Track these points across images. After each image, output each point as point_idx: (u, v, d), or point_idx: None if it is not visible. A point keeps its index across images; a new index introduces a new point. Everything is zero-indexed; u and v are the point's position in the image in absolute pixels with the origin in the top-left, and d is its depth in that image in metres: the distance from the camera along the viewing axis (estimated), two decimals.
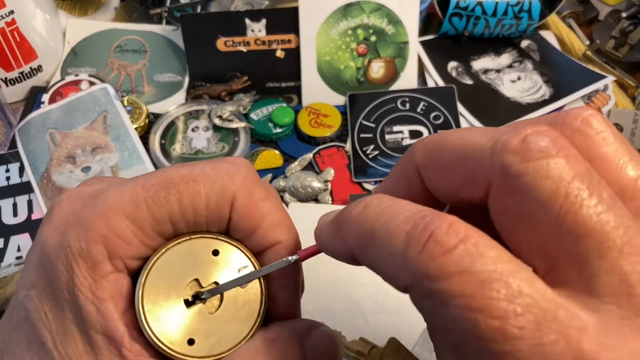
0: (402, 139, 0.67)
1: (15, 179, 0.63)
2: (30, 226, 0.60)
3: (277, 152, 0.66)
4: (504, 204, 0.19)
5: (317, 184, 0.62)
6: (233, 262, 0.25)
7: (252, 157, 0.66)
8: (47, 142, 0.64)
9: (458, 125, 0.67)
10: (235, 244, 0.25)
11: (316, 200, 0.62)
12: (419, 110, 0.69)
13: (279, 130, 0.67)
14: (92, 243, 0.23)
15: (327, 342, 0.27)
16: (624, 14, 0.77)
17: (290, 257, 0.25)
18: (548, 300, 0.16)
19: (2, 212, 0.61)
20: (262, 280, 0.25)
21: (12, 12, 0.66)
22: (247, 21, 0.69)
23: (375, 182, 0.64)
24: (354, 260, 0.21)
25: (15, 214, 0.61)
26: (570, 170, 0.18)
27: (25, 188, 0.62)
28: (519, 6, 0.72)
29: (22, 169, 0.64)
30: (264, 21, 0.69)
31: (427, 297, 0.17)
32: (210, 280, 0.25)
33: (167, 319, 0.23)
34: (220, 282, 0.25)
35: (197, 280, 0.24)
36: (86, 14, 0.81)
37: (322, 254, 0.25)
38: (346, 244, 0.21)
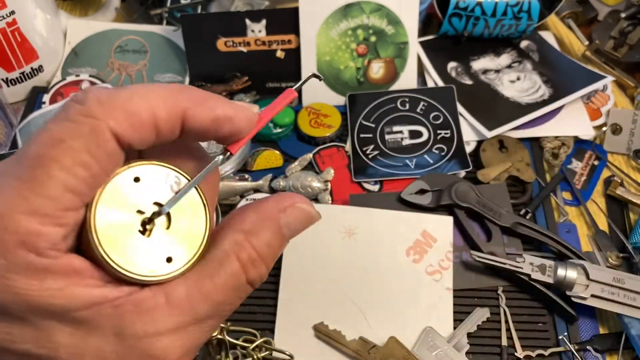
0: (402, 139, 0.67)
1: None
2: None
3: (277, 152, 0.66)
4: None
5: (317, 184, 0.62)
6: (157, 178, 0.26)
7: (253, 157, 0.66)
8: None
9: (458, 125, 0.68)
10: (150, 162, 0.26)
11: (316, 200, 0.63)
12: (418, 110, 0.69)
13: (279, 130, 0.67)
14: (12, 255, 0.22)
15: (304, 215, 0.28)
16: (623, 14, 0.77)
17: (218, 157, 0.26)
18: None
19: None
20: (197, 186, 0.27)
21: (12, 12, 0.66)
22: (248, 21, 0.69)
23: (375, 182, 0.64)
24: None
25: None
26: None
27: None
28: (519, 6, 0.72)
29: None
30: (264, 21, 0.69)
31: None
32: (150, 203, 0.25)
33: (136, 253, 0.24)
34: (160, 201, 0.25)
35: (138, 210, 0.25)
36: (87, 15, 0.82)
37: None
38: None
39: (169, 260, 0.25)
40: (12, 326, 0.23)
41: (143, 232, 0.25)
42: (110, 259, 0.24)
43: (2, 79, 0.70)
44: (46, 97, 0.70)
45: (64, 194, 0.23)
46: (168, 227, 0.26)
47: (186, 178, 0.26)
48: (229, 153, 0.27)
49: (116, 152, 0.24)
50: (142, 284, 0.25)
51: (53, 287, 0.23)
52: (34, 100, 0.72)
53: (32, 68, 0.71)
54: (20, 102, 0.73)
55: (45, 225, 0.22)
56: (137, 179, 0.25)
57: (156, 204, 0.25)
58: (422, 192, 0.61)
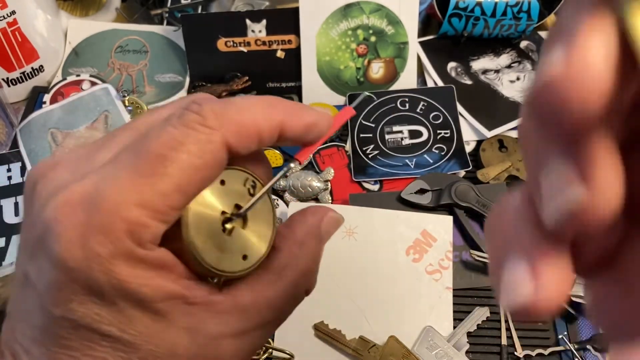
0: (402, 138, 0.67)
1: (16, 179, 0.63)
2: None
3: (277, 151, 0.67)
4: None
5: (317, 184, 0.62)
6: (239, 182, 0.28)
7: None
8: (48, 142, 0.65)
9: (457, 124, 0.68)
10: (233, 167, 0.28)
11: (316, 199, 0.63)
12: (418, 110, 0.69)
13: None
14: (119, 243, 0.24)
15: (335, 222, 0.31)
16: None
17: (291, 164, 0.30)
18: None
19: (4, 212, 0.61)
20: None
21: (13, 12, 0.67)
22: (248, 21, 0.69)
23: (375, 182, 0.64)
24: None
25: (17, 214, 0.61)
26: None
27: None
28: (518, 7, 0.72)
29: (23, 169, 0.64)
30: (264, 21, 0.69)
31: None
32: (231, 205, 0.28)
33: (219, 251, 0.27)
34: (239, 202, 0.28)
35: (222, 211, 0.27)
36: (87, 15, 0.82)
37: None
38: None
39: (244, 257, 0.28)
40: (102, 308, 0.24)
41: (224, 231, 0.27)
42: (199, 255, 0.26)
43: (3, 79, 0.70)
44: (47, 97, 0.70)
45: (175, 193, 0.24)
46: (244, 227, 0.28)
47: (260, 183, 0.29)
48: (297, 161, 0.30)
49: (223, 160, 0.26)
50: (221, 278, 0.27)
51: (145, 277, 0.24)
52: (34, 100, 0.72)
53: (32, 68, 0.72)
54: (20, 102, 0.73)
55: (152, 219, 0.24)
56: (222, 182, 0.27)
57: (236, 205, 0.28)
58: (422, 191, 0.61)
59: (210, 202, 0.27)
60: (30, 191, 0.26)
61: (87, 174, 0.25)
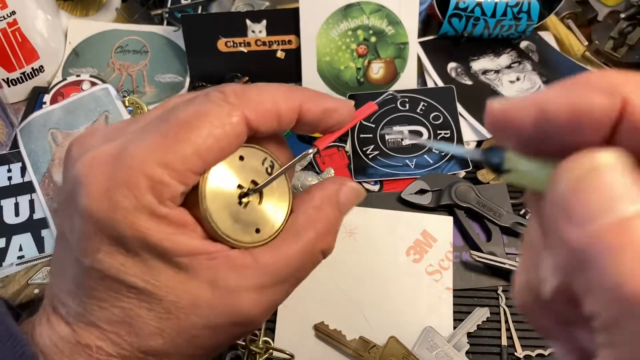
0: (402, 139, 0.67)
1: (17, 179, 0.63)
2: (32, 226, 0.60)
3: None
4: None
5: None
6: (257, 160, 0.30)
7: None
8: (48, 142, 0.65)
9: (458, 125, 0.68)
10: (253, 146, 0.30)
11: None
12: (418, 110, 0.69)
13: None
14: (142, 197, 0.25)
15: (354, 193, 0.33)
16: (622, 15, 0.77)
17: (310, 150, 0.31)
18: None
19: (4, 212, 0.61)
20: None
21: (13, 12, 0.67)
22: (248, 22, 0.69)
23: (375, 182, 0.64)
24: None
25: (17, 214, 0.61)
26: None
27: (26, 188, 0.63)
28: (518, 7, 0.72)
29: (23, 169, 0.64)
30: (264, 22, 0.69)
31: None
32: (248, 180, 0.29)
33: (232, 220, 0.28)
34: (256, 179, 0.30)
35: (239, 185, 0.29)
36: (87, 15, 0.82)
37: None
38: (619, 94, 0.17)
39: (257, 231, 0.29)
40: (127, 259, 0.26)
41: (239, 204, 0.29)
42: (213, 220, 0.27)
43: (3, 79, 0.70)
44: (47, 97, 0.70)
45: (195, 157, 0.26)
46: (259, 203, 0.30)
47: (279, 164, 0.31)
48: (317, 148, 0.31)
49: (243, 134, 0.28)
50: (233, 247, 0.28)
51: (166, 232, 0.26)
52: (34, 100, 0.72)
53: (32, 68, 0.72)
54: (21, 102, 0.73)
55: (173, 179, 0.26)
56: (241, 158, 0.29)
57: (253, 182, 0.29)
58: (422, 192, 0.61)
59: (228, 174, 0.28)
60: (66, 156, 0.29)
61: (116, 138, 0.27)
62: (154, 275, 0.26)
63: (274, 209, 0.30)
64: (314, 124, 0.30)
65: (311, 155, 0.31)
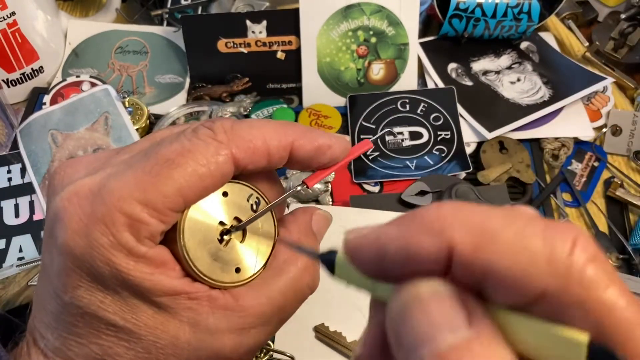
0: (402, 140, 0.67)
1: (16, 180, 0.63)
2: (32, 227, 0.60)
3: None
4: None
5: (317, 185, 0.62)
6: (242, 196, 0.29)
7: None
8: (48, 143, 0.65)
9: (458, 126, 0.68)
10: (238, 182, 0.29)
11: (317, 201, 0.63)
12: (419, 111, 0.69)
13: None
14: (119, 235, 0.25)
15: (325, 219, 0.33)
16: (623, 16, 0.77)
17: (297, 187, 0.30)
18: None
19: (4, 213, 0.61)
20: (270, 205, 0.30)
21: (13, 13, 0.67)
22: (248, 22, 0.69)
23: (376, 184, 0.64)
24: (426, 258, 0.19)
25: (17, 215, 0.61)
26: None
27: (26, 189, 0.62)
28: (519, 8, 0.72)
29: (23, 170, 0.64)
30: (264, 22, 0.69)
31: (580, 307, 0.16)
32: (231, 217, 0.28)
33: (211, 259, 0.27)
34: (240, 216, 0.28)
35: (220, 222, 0.28)
36: (87, 15, 0.82)
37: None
38: (446, 238, 0.18)
39: (237, 270, 0.28)
40: (106, 296, 0.26)
41: (221, 242, 0.28)
42: (190, 259, 0.27)
43: (3, 80, 0.70)
44: (47, 98, 0.70)
45: (176, 196, 0.26)
46: (242, 241, 0.29)
47: (265, 201, 0.30)
48: (305, 185, 0.30)
49: (229, 173, 0.27)
50: (211, 286, 0.27)
51: (144, 271, 0.25)
52: (34, 101, 0.72)
53: (32, 69, 0.72)
54: (20, 102, 0.73)
55: (152, 217, 0.25)
56: (225, 194, 0.28)
57: (236, 218, 0.28)
58: (422, 193, 0.61)
59: (209, 210, 0.28)
60: (49, 185, 0.28)
61: (98, 171, 0.27)
62: (134, 313, 0.26)
63: (256, 247, 0.29)
64: (307, 161, 0.29)
65: (296, 192, 0.30)
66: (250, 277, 0.28)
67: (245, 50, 0.71)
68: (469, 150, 0.67)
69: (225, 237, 0.28)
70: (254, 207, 0.29)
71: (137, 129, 0.66)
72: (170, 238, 0.27)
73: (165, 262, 0.26)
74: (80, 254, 0.25)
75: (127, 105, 0.68)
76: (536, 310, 0.17)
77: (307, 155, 0.29)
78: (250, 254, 0.29)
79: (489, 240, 0.17)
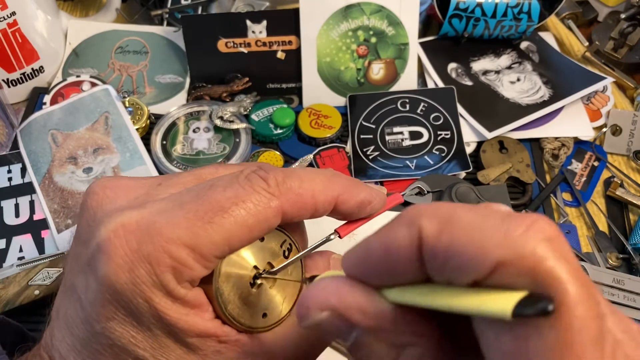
0: (402, 140, 0.67)
1: (17, 180, 0.63)
2: (32, 227, 0.60)
3: (277, 153, 0.66)
4: None
5: None
6: (276, 242, 0.29)
7: (253, 157, 0.66)
8: (48, 143, 0.65)
9: (458, 126, 0.68)
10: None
11: None
12: (419, 111, 0.69)
13: (279, 131, 0.67)
14: (162, 276, 0.25)
15: (339, 263, 0.32)
16: (623, 15, 0.77)
17: (330, 235, 0.30)
18: None
19: (4, 213, 0.61)
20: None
21: (13, 13, 0.67)
22: (248, 22, 0.69)
23: (376, 183, 0.64)
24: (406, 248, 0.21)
25: (17, 215, 0.61)
26: None
27: (27, 189, 0.63)
28: (519, 8, 0.72)
29: (23, 170, 0.64)
30: (264, 22, 0.69)
31: (528, 275, 0.17)
32: (264, 262, 0.29)
33: (242, 303, 0.28)
34: (272, 262, 0.29)
35: (254, 266, 0.28)
36: (87, 15, 0.82)
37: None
38: (416, 227, 0.20)
39: (264, 315, 0.29)
40: (139, 332, 0.26)
41: (252, 285, 0.28)
42: (223, 301, 0.27)
43: (3, 80, 0.70)
44: (47, 98, 0.70)
45: (224, 245, 0.26)
46: (271, 287, 0.29)
47: (297, 248, 0.30)
48: (338, 235, 0.31)
49: (275, 225, 0.28)
50: (238, 330, 0.28)
51: (181, 312, 0.26)
52: (34, 100, 0.72)
53: (32, 69, 0.72)
54: (21, 102, 0.73)
55: (197, 262, 0.26)
56: (262, 239, 0.29)
57: (269, 263, 0.29)
58: (422, 193, 0.61)
59: (246, 255, 0.28)
60: (86, 205, 0.28)
61: (145, 204, 0.27)
62: (164, 352, 0.26)
63: (284, 292, 0.30)
64: (347, 215, 0.31)
65: (328, 241, 0.31)
66: (276, 322, 0.29)
67: (245, 50, 0.71)
68: (469, 150, 0.67)
69: (257, 282, 0.29)
70: (286, 253, 0.30)
71: (137, 129, 0.66)
72: (205, 278, 0.27)
73: (200, 303, 0.27)
74: (121, 289, 0.25)
75: (127, 105, 0.68)
76: (490, 282, 0.18)
77: (350, 210, 0.30)
78: (278, 299, 0.29)
79: (451, 224, 0.19)
